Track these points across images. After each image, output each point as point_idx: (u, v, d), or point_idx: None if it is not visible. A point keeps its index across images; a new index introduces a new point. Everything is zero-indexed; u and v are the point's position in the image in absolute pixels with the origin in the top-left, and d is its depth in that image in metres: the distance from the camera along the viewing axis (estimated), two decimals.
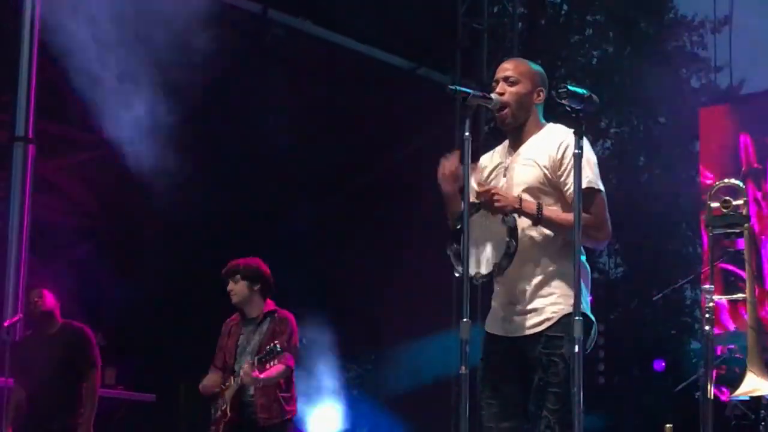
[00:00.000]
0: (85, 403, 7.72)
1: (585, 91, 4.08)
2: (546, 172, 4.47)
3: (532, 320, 4.42)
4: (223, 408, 6.96)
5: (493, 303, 4.61)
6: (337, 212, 11.72)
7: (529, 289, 4.44)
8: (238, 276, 7.14)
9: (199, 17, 10.72)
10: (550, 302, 4.41)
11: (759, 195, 11.23)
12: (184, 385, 10.83)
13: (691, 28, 18.83)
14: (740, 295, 6.69)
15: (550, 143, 4.50)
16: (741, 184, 6.59)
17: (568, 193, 4.43)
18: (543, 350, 4.37)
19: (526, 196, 4.42)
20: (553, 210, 4.44)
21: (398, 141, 12.06)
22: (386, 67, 12.08)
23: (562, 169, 4.45)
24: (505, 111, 4.56)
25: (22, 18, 8.65)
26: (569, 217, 4.30)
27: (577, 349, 3.97)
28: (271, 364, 6.75)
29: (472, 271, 4.28)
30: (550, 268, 4.43)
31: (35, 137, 8.74)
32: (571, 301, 4.29)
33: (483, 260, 4.37)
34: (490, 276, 4.36)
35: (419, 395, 12.05)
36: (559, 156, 4.46)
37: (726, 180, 6.70)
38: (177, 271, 10.15)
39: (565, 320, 4.34)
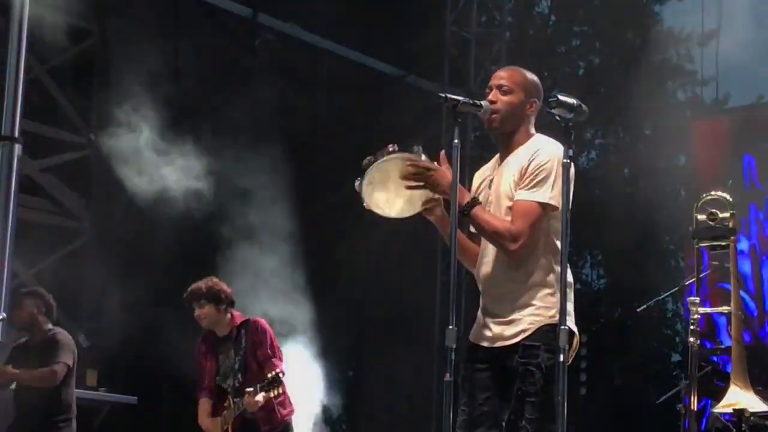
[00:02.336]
0: (67, 410, 7.68)
1: (575, 101, 4.07)
2: (515, 182, 4.44)
3: (510, 330, 4.42)
4: (225, 428, 7.01)
5: (478, 313, 4.60)
6: (321, 220, 11.71)
7: (508, 300, 4.44)
8: (203, 300, 7.09)
9: (188, 20, 10.74)
10: (528, 313, 4.40)
11: (761, 215, 11.16)
12: (167, 387, 10.82)
13: (678, 41, 18.87)
14: (725, 308, 6.69)
15: (526, 155, 4.45)
16: (728, 197, 6.58)
17: (514, 201, 4.40)
18: (520, 360, 4.36)
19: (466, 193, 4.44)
20: (484, 211, 4.43)
21: (384, 148, 12.01)
22: (374, 73, 12.08)
23: (522, 180, 4.40)
24: (494, 116, 4.49)
25: (10, 18, 8.61)
26: (496, 222, 4.37)
27: (562, 358, 3.99)
28: (277, 392, 6.77)
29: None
30: (530, 280, 4.42)
31: (21, 137, 8.70)
32: (549, 312, 4.34)
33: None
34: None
35: (400, 403, 12.04)
36: (525, 166, 4.41)
37: (713, 192, 6.68)
38: (160, 272, 10.13)
39: (542, 330, 4.35)
